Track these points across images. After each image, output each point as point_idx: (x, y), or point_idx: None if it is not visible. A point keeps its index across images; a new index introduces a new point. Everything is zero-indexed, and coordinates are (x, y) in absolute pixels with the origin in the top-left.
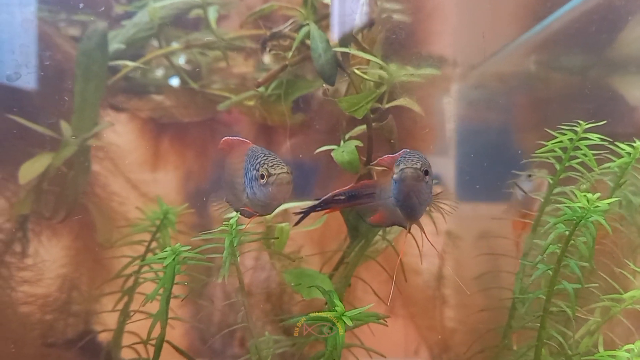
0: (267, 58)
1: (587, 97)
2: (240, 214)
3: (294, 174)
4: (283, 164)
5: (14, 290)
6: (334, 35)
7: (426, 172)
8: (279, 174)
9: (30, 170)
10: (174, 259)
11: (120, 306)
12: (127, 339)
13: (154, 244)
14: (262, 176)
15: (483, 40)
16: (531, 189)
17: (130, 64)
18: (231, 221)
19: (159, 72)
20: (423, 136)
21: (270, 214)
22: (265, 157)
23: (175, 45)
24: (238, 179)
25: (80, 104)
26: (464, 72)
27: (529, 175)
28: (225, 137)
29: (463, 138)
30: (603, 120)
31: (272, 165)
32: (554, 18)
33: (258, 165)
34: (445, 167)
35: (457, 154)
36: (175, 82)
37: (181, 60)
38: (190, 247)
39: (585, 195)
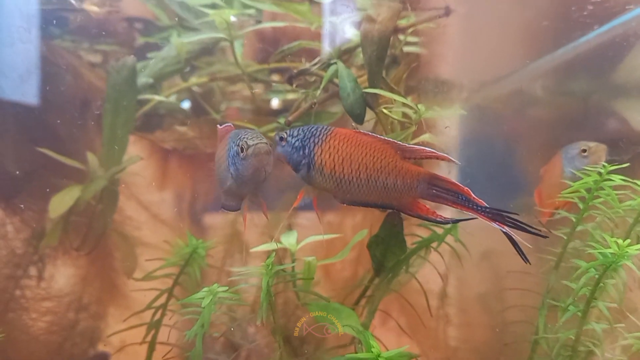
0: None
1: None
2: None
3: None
4: (262, 136)
5: (35, 319)
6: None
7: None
8: (257, 144)
9: (61, 203)
10: (211, 300)
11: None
12: None
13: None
14: (242, 149)
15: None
16: (588, 164)
17: (158, 97)
18: (268, 261)
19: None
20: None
21: (255, 192)
22: (245, 133)
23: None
24: (223, 163)
25: (109, 137)
26: (469, 95)
27: (584, 151)
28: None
29: (465, 158)
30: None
31: (251, 138)
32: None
33: (238, 141)
34: None
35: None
36: (186, 104)
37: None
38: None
39: (615, 241)
